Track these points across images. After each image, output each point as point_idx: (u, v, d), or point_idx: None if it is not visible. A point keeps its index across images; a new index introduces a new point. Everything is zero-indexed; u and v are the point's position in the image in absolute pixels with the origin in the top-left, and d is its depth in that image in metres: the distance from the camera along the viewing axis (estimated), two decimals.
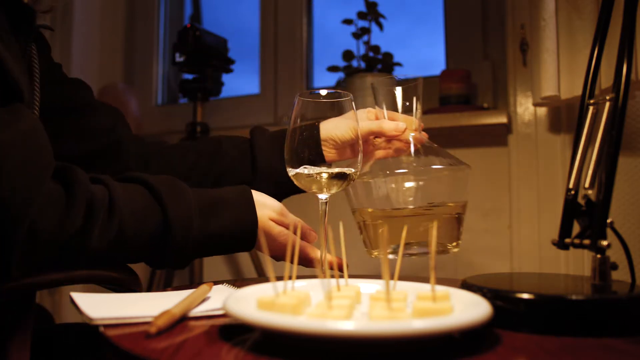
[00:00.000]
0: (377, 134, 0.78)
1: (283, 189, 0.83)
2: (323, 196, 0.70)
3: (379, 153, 0.78)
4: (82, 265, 0.58)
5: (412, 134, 0.77)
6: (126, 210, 0.59)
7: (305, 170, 0.67)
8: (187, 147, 0.88)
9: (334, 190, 0.70)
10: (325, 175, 0.67)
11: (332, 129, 0.74)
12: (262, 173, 0.84)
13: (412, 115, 0.78)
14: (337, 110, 0.69)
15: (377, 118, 0.80)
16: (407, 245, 0.69)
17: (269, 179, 0.83)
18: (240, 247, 0.70)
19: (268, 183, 0.83)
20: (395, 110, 0.79)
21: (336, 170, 0.68)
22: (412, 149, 0.77)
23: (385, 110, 0.79)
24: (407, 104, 0.78)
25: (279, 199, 0.86)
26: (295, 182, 0.69)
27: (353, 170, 0.70)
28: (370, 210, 0.70)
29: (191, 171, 0.85)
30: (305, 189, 0.70)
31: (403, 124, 0.76)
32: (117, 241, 0.59)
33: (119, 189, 0.60)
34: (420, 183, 0.71)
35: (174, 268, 0.67)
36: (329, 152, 0.78)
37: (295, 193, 0.84)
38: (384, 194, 0.72)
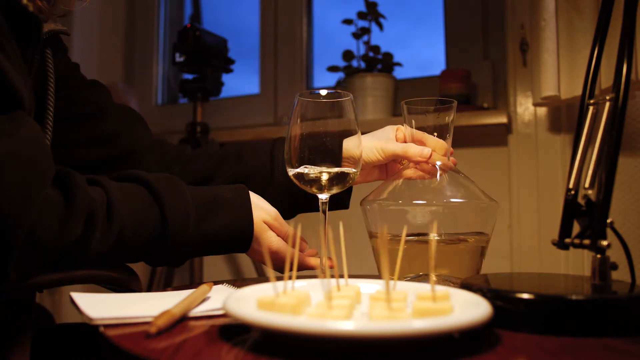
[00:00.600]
0: (402, 158, 0.77)
1: (296, 201, 0.83)
2: (323, 196, 0.70)
3: (407, 173, 0.76)
4: (82, 266, 0.58)
5: (439, 162, 0.74)
6: (125, 212, 0.59)
7: (305, 170, 0.67)
8: (209, 153, 0.88)
9: (334, 191, 0.69)
10: (325, 176, 0.67)
11: (353, 147, 0.70)
12: (278, 182, 0.84)
13: (442, 138, 0.75)
14: (337, 110, 0.69)
15: (404, 138, 0.79)
16: (424, 276, 0.68)
17: (284, 190, 0.83)
18: (236, 247, 0.70)
19: (282, 193, 0.83)
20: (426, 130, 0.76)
21: (336, 170, 0.68)
22: (438, 175, 0.74)
23: (414, 130, 0.76)
24: (438, 126, 0.75)
25: (293, 213, 0.86)
26: (295, 182, 0.69)
27: (353, 170, 0.70)
28: (388, 236, 0.68)
29: (210, 177, 0.85)
30: (305, 189, 0.70)
31: (428, 150, 0.74)
32: (117, 243, 0.59)
33: (117, 191, 0.60)
34: (443, 211, 0.68)
35: (173, 266, 0.68)
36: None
37: (310, 211, 0.83)
38: (403, 221, 0.69)
